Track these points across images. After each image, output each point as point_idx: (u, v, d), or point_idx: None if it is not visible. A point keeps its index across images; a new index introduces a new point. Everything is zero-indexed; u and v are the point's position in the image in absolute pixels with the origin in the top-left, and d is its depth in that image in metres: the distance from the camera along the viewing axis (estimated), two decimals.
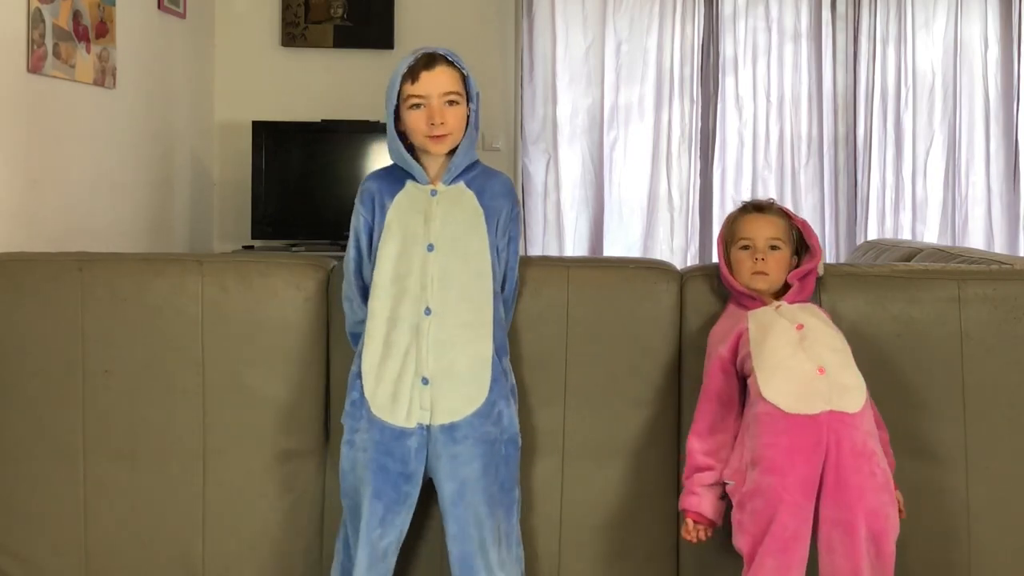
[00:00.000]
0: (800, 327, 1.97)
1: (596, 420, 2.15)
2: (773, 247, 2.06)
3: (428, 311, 1.94)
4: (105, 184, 3.56)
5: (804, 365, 1.91)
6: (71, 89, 3.27)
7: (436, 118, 1.94)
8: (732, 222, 2.12)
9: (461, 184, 2.02)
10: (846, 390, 1.91)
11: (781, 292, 2.08)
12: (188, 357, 2.16)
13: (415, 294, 1.95)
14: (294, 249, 4.23)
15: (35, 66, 3.01)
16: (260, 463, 2.17)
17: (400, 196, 2.02)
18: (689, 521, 1.99)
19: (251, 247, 4.40)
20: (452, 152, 2.01)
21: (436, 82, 1.95)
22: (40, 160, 3.11)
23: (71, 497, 2.17)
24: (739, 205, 2.17)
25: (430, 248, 1.97)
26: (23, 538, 2.19)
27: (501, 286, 2.05)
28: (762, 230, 2.07)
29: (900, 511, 1.95)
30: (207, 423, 2.16)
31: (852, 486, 1.84)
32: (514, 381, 2.04)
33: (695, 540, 1.99)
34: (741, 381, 2.01)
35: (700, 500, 1.97)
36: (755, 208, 2.12)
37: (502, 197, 2.04)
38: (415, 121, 1.96)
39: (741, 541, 1.90)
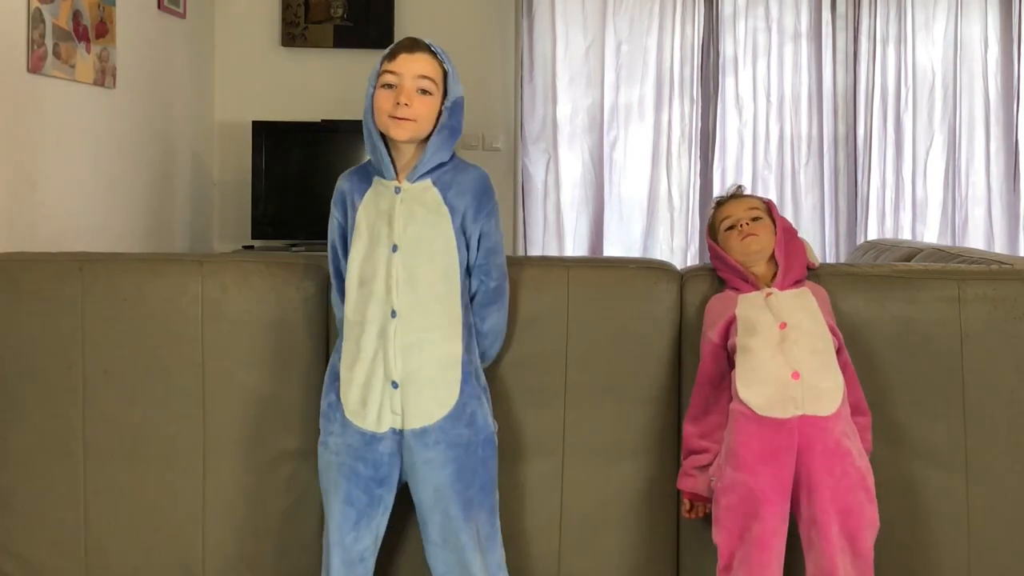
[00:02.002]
0: (783, 326, 1.98)
1: (596, 420, 2.15)
2: (755, 218, 2.11)
3: (394, 313, 1.90)
4: (105, 184, 3.56)
5: (780, 370, 1.94)
6: (71, 89, 3.27)
7: (403, 98, 1.86)
8: (712, 216, 2.20)
9: (427, 181, 1.94)
10: (821, 394, 1.93)
11: (774, 276, 2.08)
12: (188, 357, 2.16)
13: (381, 296, 1.91)
14: (294, 249, 4.23)
15: (35, 66, 3.01)
16: (260, 463, 2.16)
17: (368, 195, 1.97)
18: (686, 501, 2.07)
19: (251, 247, 4.39)
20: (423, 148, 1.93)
21: (413, 64, 1.89)
22: (40, 160, 3.11)
23: (71, 497, 2.17)
24: (713, 203, 2.25)
25: (394, 249, 1.91)
26: (23, 538, 2.19)
27: (474, 288, 1.98)
28: (741, 206, 2.14)
29: None
30: (207, 423, 2.16)
31: (824, 487, 1.89)
32: (485, 382, 2.00)
33: (693, 518, 2.07)
34: (732, 362, 2.03)
35: (695, 481, 2.04)
36: (729, 197, 2.20)
37: (468, 194, 1.94)
38: (383, 100, 1.89)
39: (717, 536, 1.95)
